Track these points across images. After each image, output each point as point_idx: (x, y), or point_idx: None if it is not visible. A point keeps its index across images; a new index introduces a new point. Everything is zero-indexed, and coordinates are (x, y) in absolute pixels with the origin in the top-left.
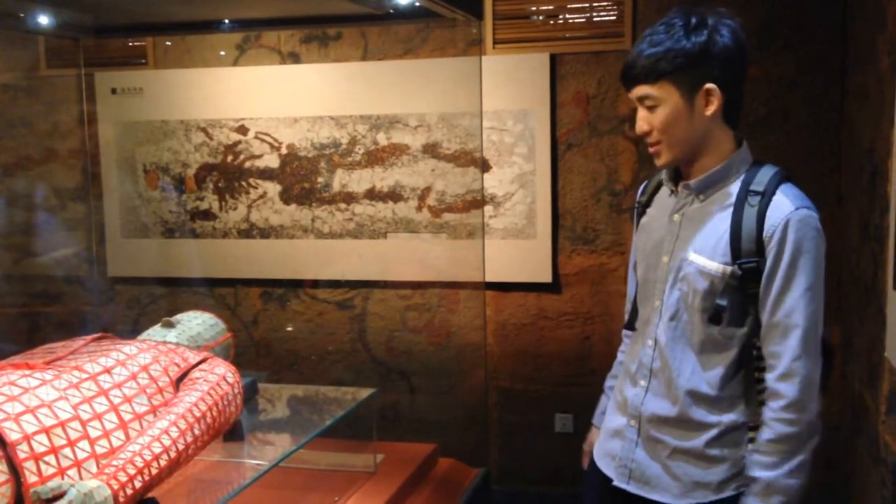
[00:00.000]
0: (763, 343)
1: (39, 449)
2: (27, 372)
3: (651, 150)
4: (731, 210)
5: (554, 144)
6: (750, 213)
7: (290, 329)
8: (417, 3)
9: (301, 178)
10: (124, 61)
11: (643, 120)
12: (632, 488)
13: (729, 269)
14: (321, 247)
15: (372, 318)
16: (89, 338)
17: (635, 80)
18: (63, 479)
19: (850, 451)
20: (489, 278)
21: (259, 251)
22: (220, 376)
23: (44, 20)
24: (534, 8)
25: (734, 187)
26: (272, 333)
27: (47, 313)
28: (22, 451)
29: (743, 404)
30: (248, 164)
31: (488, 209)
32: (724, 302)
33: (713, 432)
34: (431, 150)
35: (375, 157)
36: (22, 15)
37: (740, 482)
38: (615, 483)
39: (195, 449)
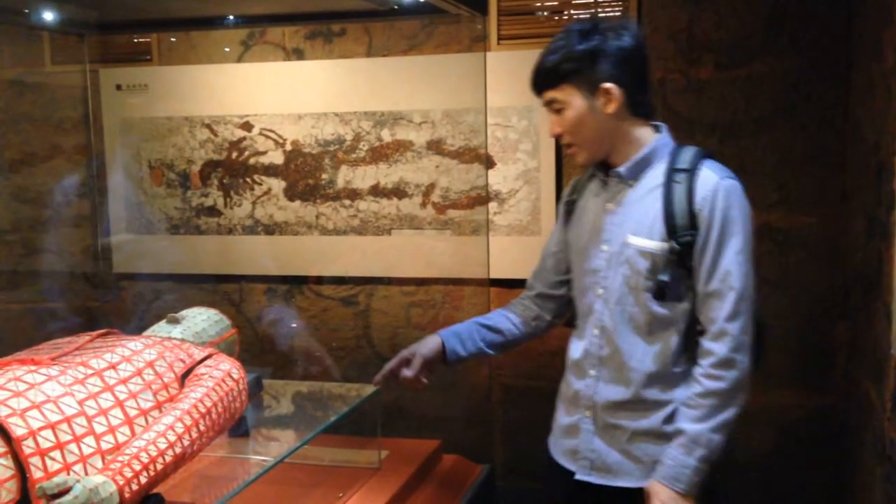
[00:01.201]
0: (701, 312)
1: (45, 444)
2: (33, 368)
3: (567, 151)
4: (661, 190)
5: (558, 141)
6: (679, 190)
7: (294, 325)
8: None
9: (305, 174)
10: (129, 57)
11: (554, 123)
12: (594, 479)
13: (667, 245)
14: (325, 243)
15: (376, 315)
16: (95, 334)
17: (541, 87)
18: (68, 474)
19: (856, 448)
20: (493, 275)
21: (263, 248)
22: (225, 372)
23: (49, 16)
24: (539, 4)
25: (661, 169)
26: (277, 330)
27: (53, 309)
28: (27, 447)
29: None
30: (252, 161)
31: (492, 206)
32: (666, 277)
33: (668, 409)
34: (436, 146)
35: (379, 154)
36: (27, 11)
37: None
38: (578, 476)
39: (200, 445)
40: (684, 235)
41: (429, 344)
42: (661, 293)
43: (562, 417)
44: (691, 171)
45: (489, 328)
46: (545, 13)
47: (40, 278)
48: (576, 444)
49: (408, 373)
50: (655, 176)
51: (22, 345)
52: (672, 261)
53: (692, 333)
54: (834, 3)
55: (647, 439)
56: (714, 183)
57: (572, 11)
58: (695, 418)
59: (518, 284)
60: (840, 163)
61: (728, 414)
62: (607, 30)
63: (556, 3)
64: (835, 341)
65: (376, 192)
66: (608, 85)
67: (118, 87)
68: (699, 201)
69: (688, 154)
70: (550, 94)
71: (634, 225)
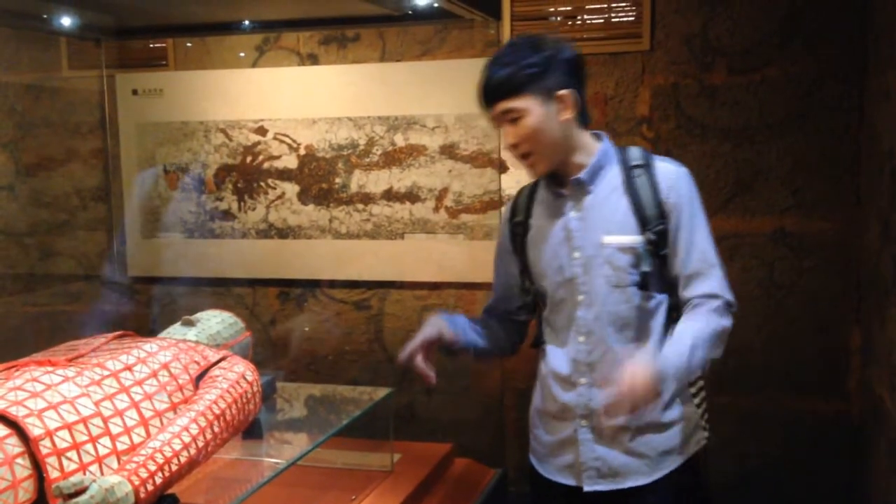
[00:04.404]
0: (684, 292)
1: (61, 445)
2: (50, 369)
3: (525, 163)
4: (622, 188)
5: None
6: (642, 184)
7: (307, 329)
8: (435, 4)
9: (319, 178)
10: (145, 63)
11: (510, 134)
12: (604, 486)
13: (643, 237)
14: (338, 247)
15: (388, 319)
16: (111, 335)
17: (495, 98)
18: (84, 474)
19: (870, 454)
20: None
21: (277, 251)
22: (239, 374)
23: (66, 22)
24: (552, 9)
25: (614, 170)
26: (290, 333)
27: (69, 312)
28: (44, 447)
29: None
30: (266, 165)
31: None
32: (648, 268)
33: (664, 398)
34: (449, 150)
35: (393, 158)
36: (45, 16)
37: (699, 437)
38: (586, 488)
39: (214, 446)
40: (657, 225)
41: (435, 323)
42: (645, 284)
43: (549, 433)
44: (647, 166)
45: (477, 332)
46: (558, 18)
47: (56, 281)
48: (575, 456)
49: (419, 363)
50: (612, 177)
51: (38, 347)
52: (650, 251)
53: (671, 319)
54: (849, 7)
55: (649, 431)
56: (675, 172)
57: (585, 16)
58: (699, 336)
59: None
60: (854, 168)
61: (719, 351)
62: (552, 42)
63: (569, 7)
64: (849, 347)
65: (389, 196)
66: (564, 91)
67: (134, 92)
68: (665, 191)
69: (635, 152)
70: (505, 105)
71: (605, 225)
